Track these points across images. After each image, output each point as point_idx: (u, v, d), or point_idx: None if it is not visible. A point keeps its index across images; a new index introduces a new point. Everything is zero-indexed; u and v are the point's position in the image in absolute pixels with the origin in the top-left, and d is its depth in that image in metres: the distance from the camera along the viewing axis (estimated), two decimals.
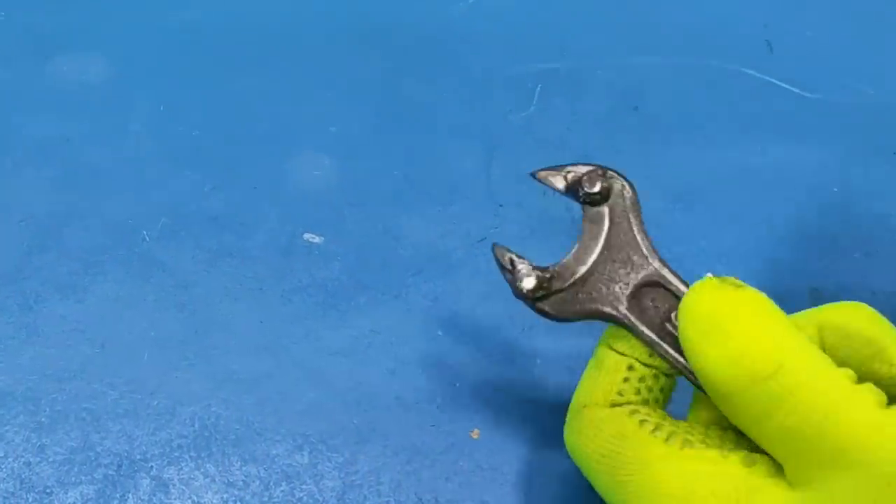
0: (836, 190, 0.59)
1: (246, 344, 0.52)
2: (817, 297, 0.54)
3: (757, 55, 0.65)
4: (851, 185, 0.59)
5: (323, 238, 0.56)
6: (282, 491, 0.48)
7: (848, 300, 0.41)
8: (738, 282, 0.38)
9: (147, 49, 0.63)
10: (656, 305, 0.41)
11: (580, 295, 0.42)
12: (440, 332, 0.53)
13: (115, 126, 0.60)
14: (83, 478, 0.48)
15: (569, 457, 0.42)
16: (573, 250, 0.42)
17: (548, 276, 0.42)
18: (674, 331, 0.41)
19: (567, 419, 0.42)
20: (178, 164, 0.58)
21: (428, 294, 0.54)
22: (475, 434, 0.50)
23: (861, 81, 0.64)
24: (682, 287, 0.41)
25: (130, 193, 0.57)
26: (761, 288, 0.38)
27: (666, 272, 0.42)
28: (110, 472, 0.48)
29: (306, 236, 0.56)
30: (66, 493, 0.47)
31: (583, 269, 0.42)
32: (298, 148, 0.60)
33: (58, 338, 0.52)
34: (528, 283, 0.42)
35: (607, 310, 0.42)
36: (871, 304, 0.41)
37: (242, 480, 0.48)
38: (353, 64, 0.64)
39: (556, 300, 0.42)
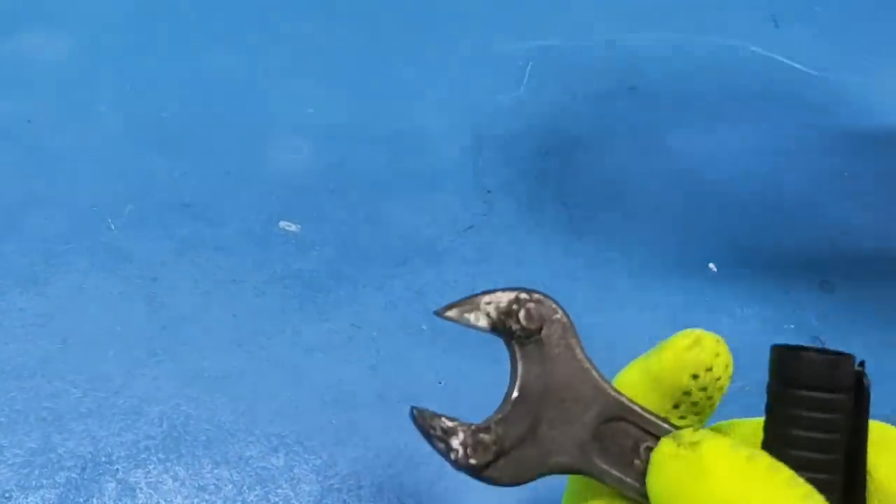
0: (846, 175, 0.59)
1: (218, 339, 0.52)
2: (827, 287, 0.54)
3: (762, 31, 0.65)
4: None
5: (300, 226, 0.56)
6: (256, 495, 0.48)
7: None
8: (694, 437, 0.37)
9: (114, 26, 0.63)
10: (619, 442, 0.38)
11: (533, 451, 0.37)
12: (424, 327, 0.53)
13: (79, 107, 0.60)
14: (44, 481, 0.48)
15: None
16: (511, 396, 0.38)
17: (490, 436, 0.37)
18: (643, 466, 0.38)
19: None
20: (146, 148, 0.58)
21: (412, 286, 0.54)
22: None
23: (871, 59, 0.64)
24: (645, 415, 0.38)
25: (95, 179, 0.57)
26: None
27: (624, 400, 0.38)
28: (73, 476, 0.48)
29: (282, 224, 0.56)
30: (27, 498, 0.47)
31: (529, 419, 0.37)
32: (274, 131, 0.60)
33: (17, 332, 0.51)
34: (471, 451, 0.37)
35: (568, 461, 0.38)
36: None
37: (214, 484, 0.48)
38: (333, 41, 0.64)
39: (507, 463, 0.37)
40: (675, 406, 0.39)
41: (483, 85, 0.62)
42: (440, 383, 0.50)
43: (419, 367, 0.51)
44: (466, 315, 0.38)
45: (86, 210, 0.56)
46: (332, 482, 0.48)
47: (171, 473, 0.48)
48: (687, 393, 0.38)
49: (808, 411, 0.35)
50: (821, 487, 0.33)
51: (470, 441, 0.37)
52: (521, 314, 0.38)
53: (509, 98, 0.62)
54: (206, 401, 0.50)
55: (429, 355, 0.52)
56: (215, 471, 0.48)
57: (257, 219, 0.56)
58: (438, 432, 0.37)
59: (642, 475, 0.37)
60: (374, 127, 0.60)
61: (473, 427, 0.37)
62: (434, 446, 0.37)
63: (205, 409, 0.50)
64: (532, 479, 0.38)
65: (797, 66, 0.63)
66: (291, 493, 0.48)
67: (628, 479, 0.37)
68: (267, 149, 0.59)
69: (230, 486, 0.48)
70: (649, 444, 0.38)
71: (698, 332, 0.38)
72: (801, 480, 0.34)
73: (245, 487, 0.48)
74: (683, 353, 0.37)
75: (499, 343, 0.52)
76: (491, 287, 0.39)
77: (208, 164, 0.58)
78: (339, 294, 0.54)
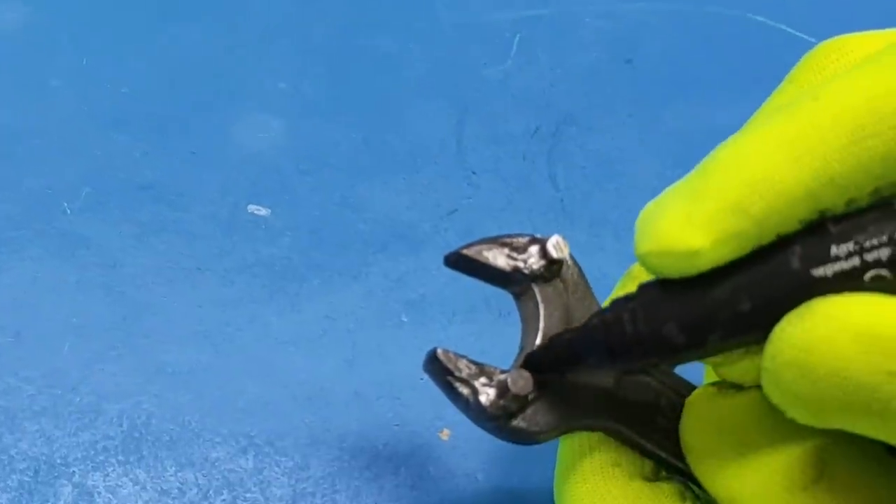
0: None
1: (182, 331, 0.52)
2: None
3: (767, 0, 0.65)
4: None
5: (270, 210, 0.56)
6: (223, 500, 0.48)
7: None
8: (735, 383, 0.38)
9: None
10: (641, 396, 0.39)
11: (559, 400, 0.38)
12: (405, 318, 0.53)
13: (31, 82, 0.59)
14: None
15: (550, 461, 0.42)
16: (535, 342, 0.38)
17: (520, 381, 0.37)
18: (668, 425, 0.39)
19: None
20: (104, 126, 0.58)
21: (391, 274, 0.54)
22: (445, 435, 0.49)
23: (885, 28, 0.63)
24: (666, 370, 0.40)
25: (49, 159, 0.57)
26: None
27: None
28: (26, 479, 0.47)
29: (251, 208, 0.56)
30: None
31: None
32: (242, 107, 0.60)
33: None
34: (501, 396, 0.37)
35: (593, 414, 0.38)
36: None
37: (178, 488, 0.48)
38: (306, 11, 0.64)
39: (535, 412, 0.38)
40: None
41: (467, 58, 0.62)
42: (422, 379, 0.49)
43: (399, 362, 0.51)
44: (485, 253, 0.39)
45: (39, 193, 0.55)
46: (304, 486, 0.48)
47: (132, 476, 0.48)
48: None
49: None
50: None
51: (498, 386, 0.37)
52: (542, 251, 0.39)
53: (496, 72, 0.62)
54: (169, 398, 0.50)
55: (410, 349, 0.51)
56: (179, 473, 0.48)
57: (224, 202, 0.56)
58: (464, 374, 0.37)
59: (665, 431, 0.38)
60: (349, 103, 0.60)
61: (500, 371, 0.37)
62: (456, 392, 0.37)
63: (168, 406, 0.50)
64: (558, 433, 0.38)
65: (804, 36, 0.63)
66: (261, 498, 0.48)
67: (651, 434, 0.38)
68: (235, 127, 0.59)
69: (195, 490, 0.48)
70: (671, 398, 0.39)
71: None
72: None
73: (211, 491, 0.48)
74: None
75: (486, 337, 0.52)
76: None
77: (171, 144, 0.58)
78: (313, 283, 0.54)
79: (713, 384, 0.38)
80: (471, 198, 0.57)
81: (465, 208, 0.56)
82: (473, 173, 0.58)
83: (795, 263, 0.31)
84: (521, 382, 0.37)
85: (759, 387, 0.37)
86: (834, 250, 0.31)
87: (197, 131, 0.58)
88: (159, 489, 0.48)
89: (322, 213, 0.56)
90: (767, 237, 0.32)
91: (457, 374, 0.37)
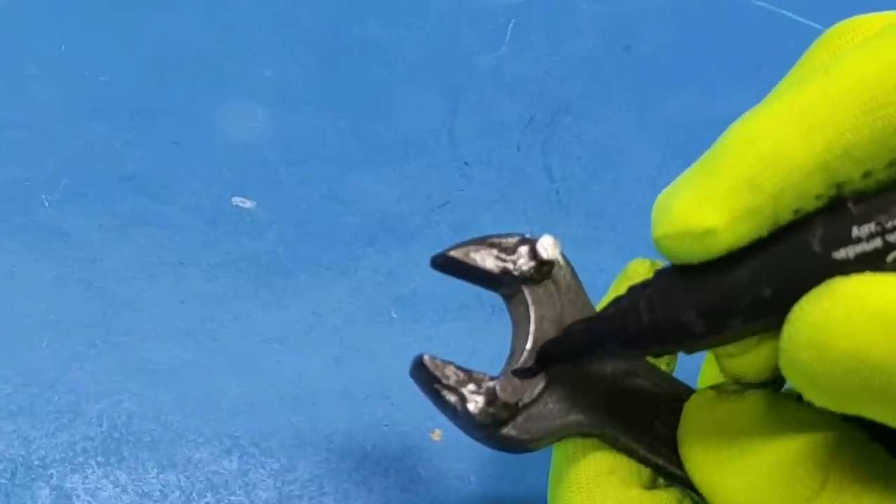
0: None
1: (164, 328, 0.52)
2: None
3: None
4: None
5: (255, 203, 0.56)
6: (206, 503, 0.48)
7: None
8: (736, 386, 0.37)
9: None
10: (637, 401, 0.39)
11: (552, 406, 0.38)
12: (394, 314, 0.53)
13: (7, 69, 0.59)
14: None
15: (544, 464, 0.41)
16: (526, 346, 0.38)
17: (509, 387, 0.37)
18: (666, 432, 0.39)
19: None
20: (83, 115, 0.58)
21: (380, 268, 0.54)
22: (436, 435, 0.50)
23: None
24: (659, 370, 0.39)
25: (26, 150, 0.56)
26: None
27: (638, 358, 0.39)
28: (2, 481, 0.48)
29: (236, 200, 0.56)
30: None
31: (547, 372, 0.38)
32: (227, 96, 0.59)
33: None
34: (489, 404, 0.37)
35: (588, 419, 0.38)
36: None
37: (159, 490, 0.48)
38: None
39: (526, 420, 0.37)
40: None
41: (460, 44, 0.62)
42: (411, 379, 0.50)
43: (389, 360, 0.51)
44: (473, 255, 0.39)
45: (15, 184, 0.55)
46: (291, 488, 0.48)
47: (112, 478, 0.48)
48: None
49: None
50: None
51: (487, 393, 0.37)
52: (532, 252, 0.38)
53: (489, 59, 0.62)
54: (150, 397, 0.50)
55: (400, 346, 0.52)
56: (161, 475, 0.48)
57: (207, 194, 0.56)
58: (452, 381, 0.37)
59: (663, 437, 0.38)
60: (338, 92, 0.60)
61: (488, 378, 0.37)
62: (443, 400, 0.37)
63: (149, 406, 0.50)
64: (550, 441, 0.38)
65: (807, 21, 0.63)
66: (246, 500, 0.48)
67: (649, 441, 0.38)
68: (219, 116, 0.58)
69: (177, 493, 0.48)
70: (669, 403, 0.39)
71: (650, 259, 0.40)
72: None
73: (194, 494, 0.48)
74: (647, 275, 0.37)
75: (478, 334, 0.52)
76: None
77: (153, 133, 0.57)
78: (299, 278, 0.54)
79: (712, 388, 0.38)
80: (463, 189, 0.57)
81: (458, 200, 0.56)
82: (466, 164, 0.58)
83: (816, 246, 0.31)
84: (511, 389, 0.37)
85: (760, 389, 0.38)
86: (855, 231, 0.31)
87: (180, 120, 0.58)
88: (140, 492, 0.48)
89: (309, 205, 0.56)
90: (784, 214, 0.32)
91: (444, 381, 0.37)
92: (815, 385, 0.30)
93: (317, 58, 0.61)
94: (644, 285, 0.35)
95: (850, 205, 0.31)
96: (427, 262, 0.42)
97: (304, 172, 0.57)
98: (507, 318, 0.40)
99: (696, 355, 0.41)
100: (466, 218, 0.56)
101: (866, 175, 0.31)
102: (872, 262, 0.30)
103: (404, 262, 0.54)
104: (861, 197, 0.31)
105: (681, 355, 0.41)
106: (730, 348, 0.36)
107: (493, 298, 0.48)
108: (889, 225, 0.31)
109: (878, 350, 0.29)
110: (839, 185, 0.31)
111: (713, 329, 0.33)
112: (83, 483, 0.48)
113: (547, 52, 0.62)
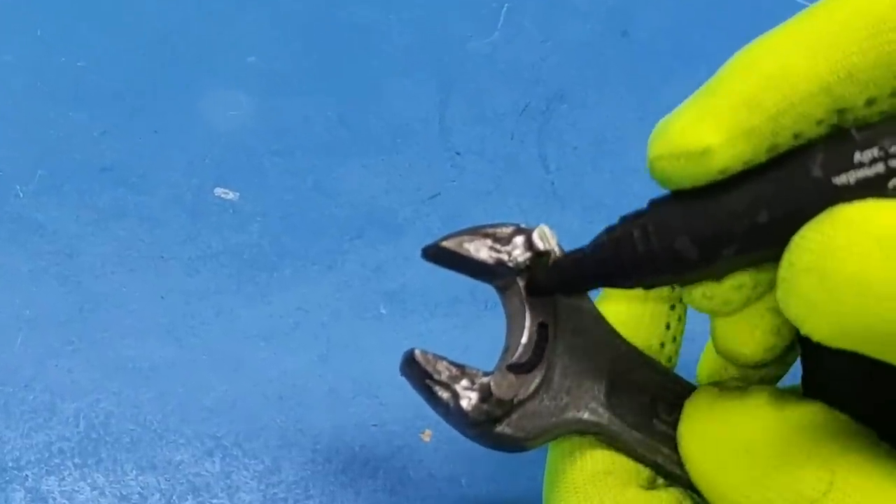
0: None
1: (143, 324, 0.52)
2: None
3: None
4: None
5: (239, 194, 0.56)
6: None
7: None
8: (737, 383, 0.38)
9: None
10: (636, 398, 0.39)
11: (548, 403, 0.38)
12: (383, 310, 0.53)
13: None
14: None
15: (539, 466, 0.41)
16: (521, 341, 0.38)
17: (504, 383, 0.37)
18: (666, 429, 0.39)
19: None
20: (59, 103, 0.58)
21: (368, 263, 0.54)
22: (426, 436, 0.49)
23: None
24: (660, 367, 0.39)
25: (0, 139, 0.56)
26: None
27: (637, 351, 0.39)
28: None
29: (218, 192, 0.56)
30: None
31: (542, 366, 0.38)
32: (209, 83, 0.59)
33: None
34: (483, 401, 0.37)
35: (586, 416, 0.38)
36: None
37: (139, 493, 0.48)
38: None
39: (521, 417, 0.37)
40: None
41: (451, 30, 0.62)
42: (401, 375, 0.50)
43: (377, 357, 0.51)
44: (466, 245, 0.38)
45: None
46: (275, 491, 0.48)
47: (89, 481, 0.48)
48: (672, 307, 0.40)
49: None
50: None
51: (481, 389, 0.37)
52: (528, 243, 0.38)
53: (482, 45, 0.62)
54: (129, 396, 0.50)
55: (388, 343, 0.51)
56: (140, 477, 0.48)
57: (189, 185, 0.56)
58: (444, 377, 0.37)
59: (663, 435, 0.38)
60: (324, 79, 0.60)
61: (482, 373, 0.37)
62: (435, 397, 0.37)
63: (128, 405, 0.50)
64: (547, 439, 0.38)
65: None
66: (229, 503, 0.48)
67: (648, 439, 0.38)
68: (201, 104, 0.58)
69: (157, 496, 0.48)
70: (669, 399, 0.39)
71: None
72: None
73: (175, 497, 0.48)
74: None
75: (470, 330, 0.52)
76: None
77: (132, 122, 0.57)
78: (284, 272, 0.54)
79: (714, 384, 0.38)
80: (454, 181, 0.57)
81: (449, 192, 0.56)
82: (457, 154, 0.58)
83: (816, 171, 0.31)
84: (506, 385, 0.37)
85: (764, 385, 0.37)
86: (857, 156, 0.31)
87: (160, 109, 0.58)
88: (119, 494, 0.47)
89: (294, 197, 0.56)
90: (784, 137, 0.32)
91: (436, 377, 0.37)
92: (814, 313, 0.30)
93: (303, 44, 0.61)
94: (638, 214, 0.35)
95: (853, 131, 0.31)
96: (417, 255, 0.42)
97: (290, 163, 0.57)
98: (500, 312, 0.40)
99: (695, 351, 0.41)
100: (458, 210, 0.56)
101: (870, 102, 0.32)
102: (874, 188, 0.31)
103: (393, 256, 0.54)
104: (864, 124, 0.31)
105: (681, 355, 0.41)
106: (729, 323, 0.36)
107: (486, 292, 0.48)
108: (893, 150, 0.31)
109: (881, 276, 0.29)
110: (841, 112, 0.32)
111: (708, 257, 0.33)
112: (59, 485, 0.47)
113: (542, 38, 0.62)
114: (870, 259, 0.29)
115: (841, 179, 0.31)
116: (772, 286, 0.34)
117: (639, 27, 0.63)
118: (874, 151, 0.31)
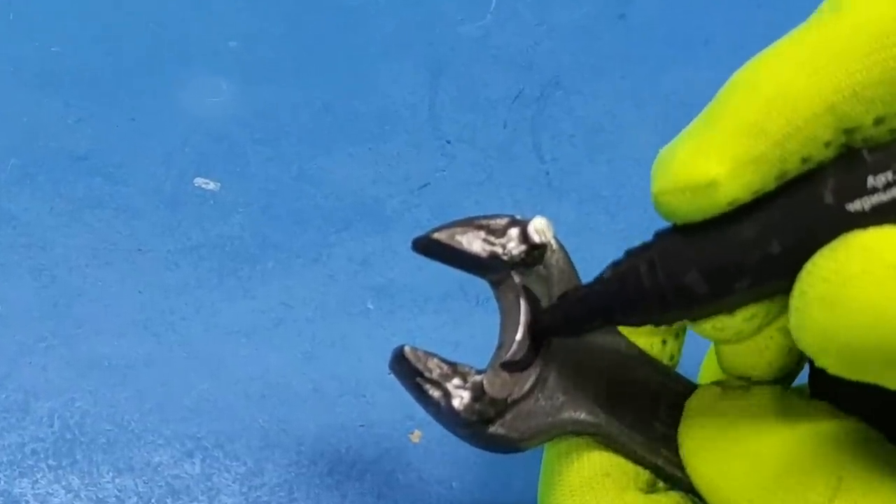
0: None
1: (120, 320, 0.51)
2: None
3: None
4: None
5: (220, 184, 0.56)
6: None
7: None
8: (741, 382, 0.38)
9: None
10: (636, 399, 0.39)
11: (543, 403, 0.38)
12: (370, 305, 0.53)
13: None
14: None
15: (533, 468, 0.41)
16: (515, 337, 0.38)
17: (497, 382, 0.37)
18: (667, 431, 0.39)
19: None
20: (32, 89, 0.58)
21: (355, 256, 0.54)
22: (415, 437, 0.49)
23: None
24: (662, 367, 0.39)
25: None
26: None
27: (638, 350, 0.39)
28: None
29: (198, 181, 0.55)
30: None
31: (538, 365, 0.38)
32: (189, 68, 0.59)
33: None
34: (476, 400, 0.37)
35: (582, 417, 0.38)
36: None
37: (115, 496, 0.47)
38: None
39: (516, 417, 0.37)
40: None
41: (441, 12, 0.62)
42: (390, 374, 0.49)
43: (364, 355, 0.51)
44: (459, 237, 0.38)
45: None
46: (258, 494, 0.48)
47: (64, 483, 0.48)
48: None
49: None
50: None
51: (473, 388, 0.37)
52: (523, 235, 0.38)
53: (473, 28, 0.61)
54: (105, 395, 0.50)
55: (376, 340, 0.51)
56: (117, 480, 0.48)
57: (168, 175, 0.56)
58: (435, 375, 0.37)
59: (663, 437, 0.38)
60: (309, 64, 0.60)
61: (475, 371, 0.37)
62: (426, 395, 0.37)
63: (104, 404, 0.49)
64: (541, 440, 0.38)
65: None
66: None
67: (648, 440, 0.38)
68: (180, 90, 0.58)
69: (135, 499, 0.47)
70: (670, 399, 0.39)
71: None
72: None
73: (153, 500, 0.48)
74: None
75: (462, 327, 0.51)
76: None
77: (109, 109, 0.57)
78: (267, 266, 0.53)
79: (717, 383, 0.38)
80: (445, 170, 0.57)
81: (439, 182, 0.56)
82: (448, 143, 0.58)
83: (828, 197, 0.31)
84: (499, 384, 0.37)
85: (768, 385, 0.37)
86: (871, 181, 0.31)
87: (138, 95, 0.58)
88: (94, 497, 0.47)
89: (278, 187, 0.56)
90: (792, 163, 0.31)
91: (427, 374, 0.37)
92: (828, 346, 0.30)
93: (286, 27, 0.61)
94: (644, 247, 0.35)
95: (864, 153, 0.31)
96: (406, 248, 0.42)
97: (273, 151, 0.57)
98: (493, 309, 0.40)
99: (698, 348, 0.41)
100: (448, 201, 0.56)
101: (878, 121, 0.31)
102: (890, 214, 0.30)
103: (381, 249, 0.54)
104: (875, 146, 0.31)
105: (684, 352, 0.41)
106: (733, 340, 0.36)
107: (478, 288, 0.48)
108: None
109: None
110: (849, 132, 0.31)
111: (719, 291, 0.33)
112: (32, 488, 0.47)
113: (536, 21, 0.62)
114: (885, 288, 0.29)
115: (855, 206, 0.31)
116: (784, 311, 0.33)
117: (636, 10, 0.63)
118: (888, 175, 0.30)
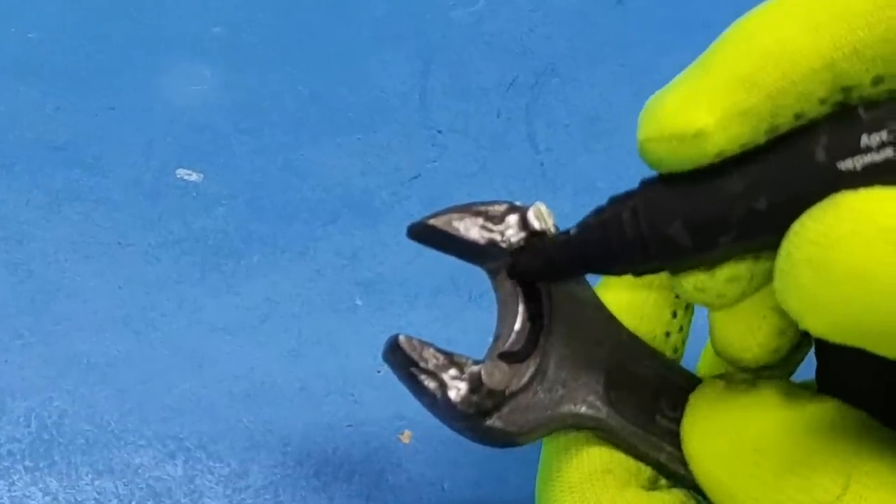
0: None
1: (100, 317, 0.51)
2: None
3: None
4: None
5: (202, 175, 0.55)
6: None
7: None
8: (745, 375, 0.38)
9: None
10: (637, 392, 0.39)
11: (542, 395, 0.38)
12: (359, 301, 0.52)
13: None
14: None
15: (530, 467, 0.41)
16: (514, 328, 0.38)
17: (496, 373, 0.37)
18: (669, 426, 0.39)
19: None
20: (9, 77, 0.58)
21: (343, 250, 0.54)
22: (405, 437, 0.49)
23: None
24: (663, 360, 0.39)
25: None
26: None
27: (640, 342, 0.39)
28: None
29: (180, 173, 0.55)
30: None
31: (536, 356, 0.38)
32: (170, 55, 0.59)
33: None
34: (473, 391, 0.36)
35: (583, 410, 0.38)
36: None
37: (95, 498, 0.47)
38: None
39: (513, 410, 0.37)
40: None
41: None
42: (378, 372, 0.50)
43: (352, 352, 0.51)
44: (455, 224, 0.38)
45: None
46: (242, 496, 0.48)
47: (41, 485, 0.47)
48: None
49: None
50: None
51: (470, 379, 0.36)
52: (522, 222, 0.38)
53: (466, 14, 0.61)
54: (84, 394, 0.50)
55: (365, 337, 0.51)
56: (96, 482, 0.48)
57: (149, 166, 0.55)
58: (431, 365, 0.37)
59: (666, 432, 0.38)
60: (295, 51, 0.60)
61: (472, 362, 0.37)
62: (421, 386, 0.37)
63: (83, 404, 0.49)
64: (540, 434, 0.37)
65: None
66: None
67: (650, 435, 0.38)
68: (161, 78, 0.58)
69: (115, 502, 0.47)
70: (673, 393, 0.39)
71: None
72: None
73: (133, 503, 0.47)
74: None
75: (454, 323, 0.51)
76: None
77: (87, 97, 0.57)
78: (252, 260, 0.53)
79: (720, 376, 0.38)
80: (436, 161, 0.57)
81: (430, 173, 0.56)
82: (439, 132, 0.58)
83: (820, 154, 0.31)
84: (497, 375, 0.37)
85: (774, 379, 0.37)
86: (864, 140, 0.30)
87: (117, 84, 0.58)
88: (73, 500, 0.47)
89: (263, 178, 0.56)
90: (783, 118, 0.32)
91: (422, 365, 0.37)
92: (813, 309, 0.30)
93: (272, 12, 0.61)
94: (628, 195, 0.35)
95: (860, 110, 0.31)
96: (395, 242, 0.42)
97: (258, 142, 0.57)
98: (487, 303, 0.40)
99: (696, 343, 0.41)
100: (440, 193, 0.55)
101: (877, 81, 0.31)
102: (882, 175, 0.30)
103: (370, 243, 0.54)
104: (872, 102, 0.31)
105: (689, 346, 0.41)
106: (728, 322, 0.36)
107: (471, 282, 0.48)
108: None
109: (886, 270, 0.28)
110: (846, 91, 0.31)
111: (702, 244, 0.33)
112: (9, 490, 0.47)
113: (530, 7, 0.62)
114: (874, 251, 0.28)
115: (846, 164, 0.30)
116: (769, 279, 0.33)
117: None
118: (883, 135, 0.30)
